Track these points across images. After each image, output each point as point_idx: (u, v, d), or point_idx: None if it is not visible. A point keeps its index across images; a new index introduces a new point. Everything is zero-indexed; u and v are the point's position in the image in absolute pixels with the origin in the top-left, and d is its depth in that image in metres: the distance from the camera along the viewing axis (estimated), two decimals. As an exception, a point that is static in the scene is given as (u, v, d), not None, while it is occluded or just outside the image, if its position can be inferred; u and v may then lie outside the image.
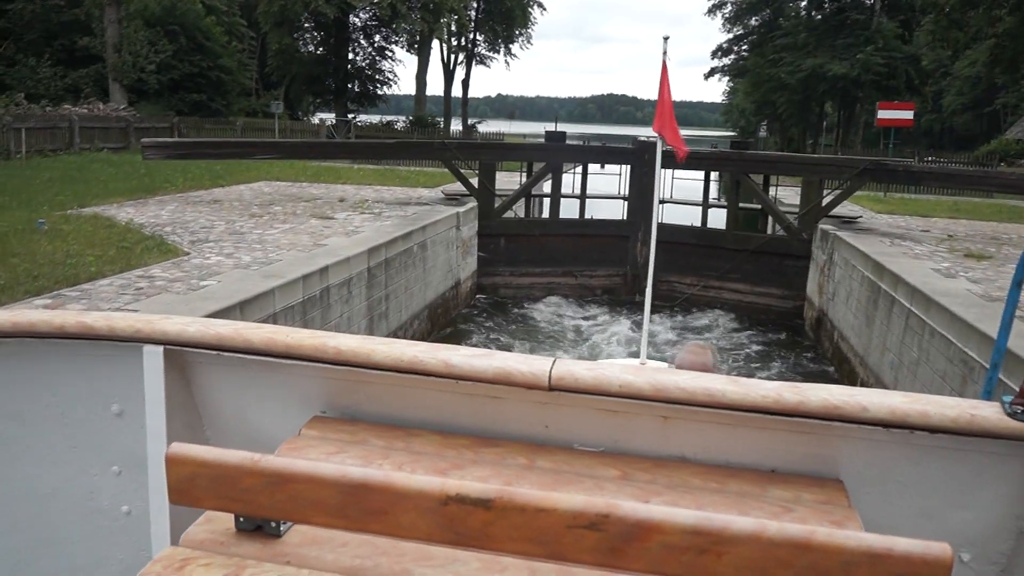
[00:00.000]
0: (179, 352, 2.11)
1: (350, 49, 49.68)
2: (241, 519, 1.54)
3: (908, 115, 26.95)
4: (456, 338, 13.90)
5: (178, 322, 2.09)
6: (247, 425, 2.22)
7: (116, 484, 2.21)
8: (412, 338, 12.70)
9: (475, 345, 13.45)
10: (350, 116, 45.50)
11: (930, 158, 34.72)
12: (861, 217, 16.39)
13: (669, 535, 1.27)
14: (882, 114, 27.19)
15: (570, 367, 1.87)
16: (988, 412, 1.76)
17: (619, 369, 1.87)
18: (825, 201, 15.62)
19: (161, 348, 2.08)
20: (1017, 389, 1.77)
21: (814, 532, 1.26)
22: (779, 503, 1.79)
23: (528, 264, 16.80)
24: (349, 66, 49.44)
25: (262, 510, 1.45)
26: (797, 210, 16.37)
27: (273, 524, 1.55)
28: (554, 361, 1.89)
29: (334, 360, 1.97)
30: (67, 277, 7.85)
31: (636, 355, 8.53)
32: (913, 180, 17.78)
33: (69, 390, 2.21)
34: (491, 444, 1.98)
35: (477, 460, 1.91)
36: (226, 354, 2.07)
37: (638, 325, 11.46)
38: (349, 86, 49.66)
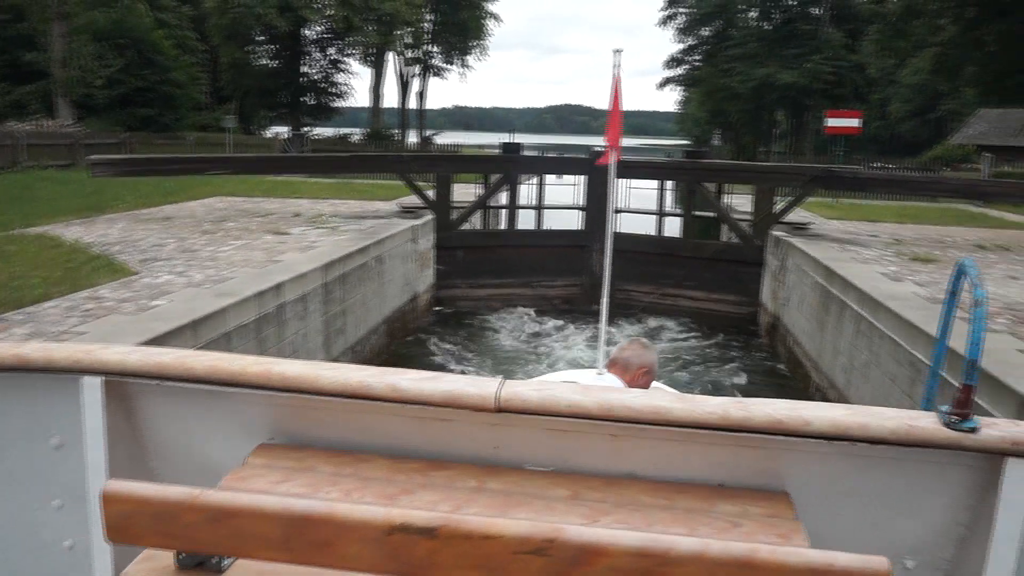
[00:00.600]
0: (120, 382, 2.07)
1: (304, 62, 49.45)
2: (182, 555, 1.51)
3: (855, 123, 27.57)
4: (415, 352, 13.83)
5: (118, 351, 2.05)
6: (193, 455, 2.18)
7: (58, 518, 2.15)
8: (371, 352, 12.62)
9: (435, 358, 13.40)
10: (305, 129, 45.20)
11: (877, 164, 35.55)
12: (812, 223, 16.70)
13: (615, 558, 1.28)
14: (831, 122, 27.80)
15: (517, 388, 1.87)
16: (926, 423, 1.80)
17: (567, 389, 1.88)
18: (777, 208, 15.90)
19: (100, 379, 2.04)
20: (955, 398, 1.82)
21: (757, 550, 1.27)
22: (727, 518, 1.82)
23: (486, 276, 16.80)
24: (303, 79, 49.19)
25: (203, 546, 1.42)
26: (751, 217, 16.63)
27: (215, 559, 1.52)
28: (502, 382, 1.89)
29: (280, 387, 1.95)
30: (12, 300, 7.64)
31: (595, 366, 8.56)
32: (861, 186, 18.20)
33: (7, 423, 2.15)
34: (441, 467, 1.97)
35: (427, 484, 1.91)
36: (168, 383, 2.03)
37: (597, 335, 11.50)
38: (303, 99, 49.41)
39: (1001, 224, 18.57)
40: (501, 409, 1.85)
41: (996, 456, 1.78)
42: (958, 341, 1.89)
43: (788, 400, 1.88)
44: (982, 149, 40.71)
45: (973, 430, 1.76)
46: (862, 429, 1.78)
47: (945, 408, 1.81)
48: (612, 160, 8.25)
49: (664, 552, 1.27)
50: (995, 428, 1.77)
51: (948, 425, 1.77)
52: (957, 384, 1.79)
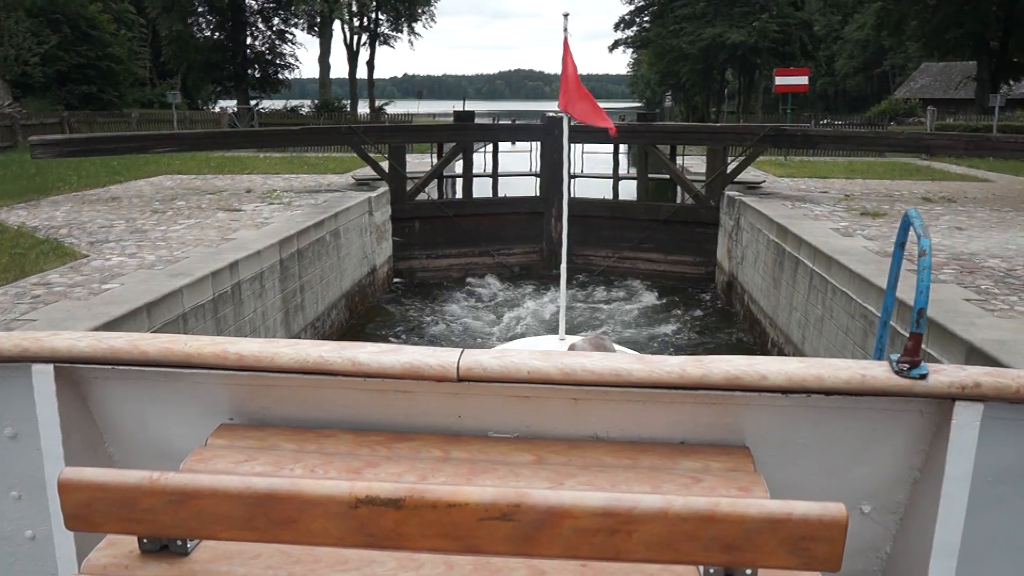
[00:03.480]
0: (71, 369, 2.03)
1: (248, 34, 48.18)
2: (145, 540, 1.50)
3: (803, 80, 27.91)
4: (377, 325, 13.77)
5: (68, 337, 2.01)
6: (151, 439, 2.15)
7: (17, 509, 2.12)
8: (332, 328, 12.54)
9: (397, 330, 13.37)
10: (253, 103, 44.23)
11: (825, 121, 36.02)
12: (764, 182, 16.91)
13: (580, 519, 1.30)
14: (779, 80, 28.10)
15: (478, 357, 1.89)
16: (878, 372, 1.86)
17: (527, 355, 1.90)
18: (729, 168, 16.05)
19: (51, 366, 2.00)
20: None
21: (718, 504, 1.31)
22: (689, 474, 1.86)
23: (444, 246, 16.75)
24: (248, 51, 47.98)
25: (165, 529, 1.41)
26: (705, 178, 16.78)
27: (179, 542, 1.51)
28: (462, 352, 1.91)
29: (237, 366, 1.93)
30: (-44, 289, 7.43)
31: (556, 331, 8.63)
32: (810, 144, 18.49)
33: None
34: (405, 439, 1.98)
35: (391, 456, 1.91)
36: (122, 367, 2.00)
37: (557, 300, 11.55)
38: (249, 72, 48.23)
39: (945, 176, 19.00)
40: (462, 379, 1.87)
41: (946, 401, 1.86)
42: (907, 293, 1.96)
43: (745, 356, 1.93)
44: (926, 103, 41.48)
45: (923, 377, 1.83)
46: (817, 381, 1.84)
47: (895, 356, 1.87)
48: (565, 125, 8.25)
49: (628, 511, 1.30)
50: (944, 374, 1.83)
51: (899, 373, 1.83)
52: (906, 333, 1.85)
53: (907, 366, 1.83)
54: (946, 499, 1.86)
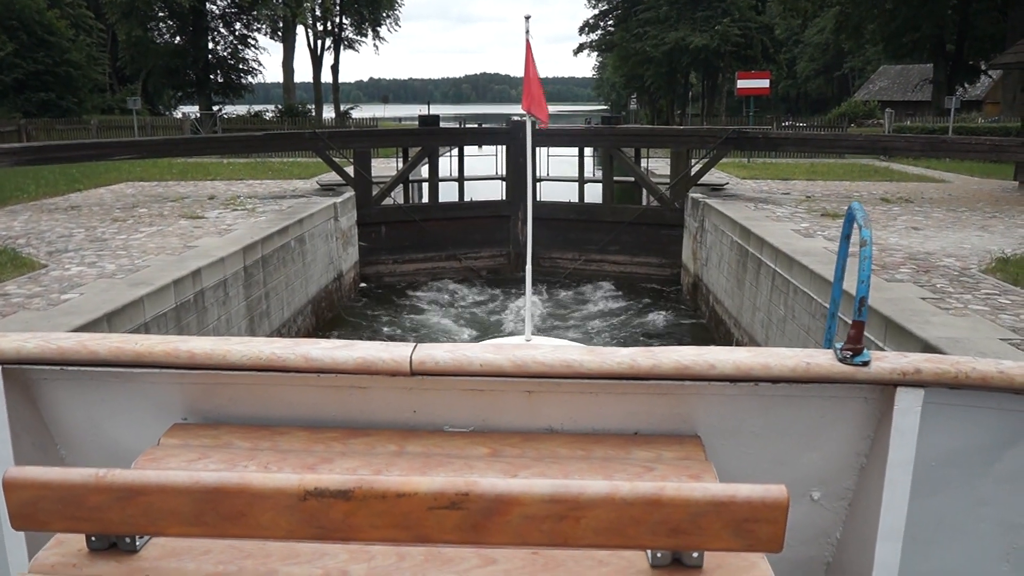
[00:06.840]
0: (19, 370, 2.02)
1: (210, 38, 47.69)
2: (93, 538, 1.49)
3: (765, 83, 28.33)
4: (343, 331, 13.69)
5: (15, 339, 1.99)
6: (103, 440, 2.14)
7: None
8: (298, 334, 12.44)
9: (363, 335, 13.30)
10: (215, 108, 43.74)
11: (787, 123, 36.51)
12: (727, 184, 17.11)
13: (528, 506, 1.32)
14: (741, 83, 28.49)
15: (431, 351, 1.91)
16: (822, 359, 1.91)
17: (479, 348, 1.93)
18: (693, 171, 16.22)
19: None
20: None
21: (663, 488, 1.34)
22: (641, 463, 1.89)
23: (411, 250, 16.71)
24: (210, 56, 47.48)
25: (113, 527, 1.40)
26: (669, 181, 16.94)
27: (128, 539, 1.50)
28: (415, 346, 1.93)
29: (188, 364, 1.93)
30: (-91, 301, 7.26)
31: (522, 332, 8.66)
32: (772, 146, 18.71)
33: None
34: (359, 434, 1.99)
35: (346, 452, 1.92)
36: (71, 368, 1.99)
37: (523, 302, 11.59)
38: (211, 77, 47.74)
39: (903, 177, 19.38)
40: (415, 373, 1.89)
41: (888, 387, 1.91)
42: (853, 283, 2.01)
43: (694, 346, 1.97)
44: (884, 105, 42.27)
45: (866, 363, 1.88)
46: (764, 369, 1.89)
47: (839, 344, 1.92)
48: (529, 128, 8.28)
49: (575, 497, 1.33)
50: (885, 361, 1.89)
51: (842, 360, 1.89)
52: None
53: (850, 353, 1.89)
54: (890, 484, 1.91)
